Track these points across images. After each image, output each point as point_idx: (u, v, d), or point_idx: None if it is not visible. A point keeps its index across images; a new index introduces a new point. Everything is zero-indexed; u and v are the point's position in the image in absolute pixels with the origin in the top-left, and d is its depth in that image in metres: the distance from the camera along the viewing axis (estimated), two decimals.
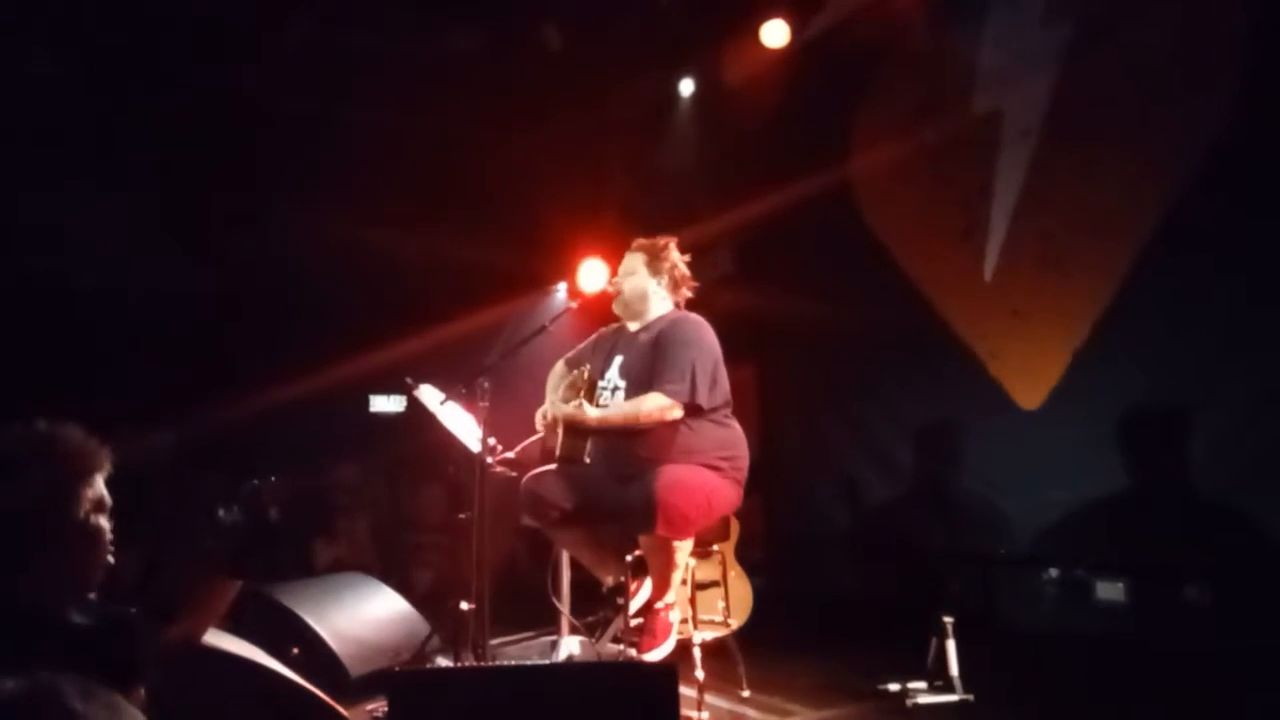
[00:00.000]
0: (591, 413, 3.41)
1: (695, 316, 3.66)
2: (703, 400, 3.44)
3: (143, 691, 1.47)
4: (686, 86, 6.13)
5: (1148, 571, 4.23)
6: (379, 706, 3.43)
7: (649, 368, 3.51)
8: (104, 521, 1.81)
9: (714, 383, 3.50)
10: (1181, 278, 4.11)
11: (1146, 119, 4.26)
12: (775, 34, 5.36)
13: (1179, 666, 3.65)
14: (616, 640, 3.87)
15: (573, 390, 3.41)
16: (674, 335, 3.54)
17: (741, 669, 3.84)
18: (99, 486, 1.80)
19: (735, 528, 3.98)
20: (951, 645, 3.68)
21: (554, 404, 3.63)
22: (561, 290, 6.01)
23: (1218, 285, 4.00)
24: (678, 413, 3.42)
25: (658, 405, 3.40)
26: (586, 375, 3.49)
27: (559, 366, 3.92)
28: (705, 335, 3.57)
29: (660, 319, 3.69)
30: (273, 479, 2.15)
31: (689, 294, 3.79)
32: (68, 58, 4.79)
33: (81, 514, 1.77)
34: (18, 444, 1.77)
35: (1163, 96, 4.20)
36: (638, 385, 3.53)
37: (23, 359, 4.52)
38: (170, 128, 5.19)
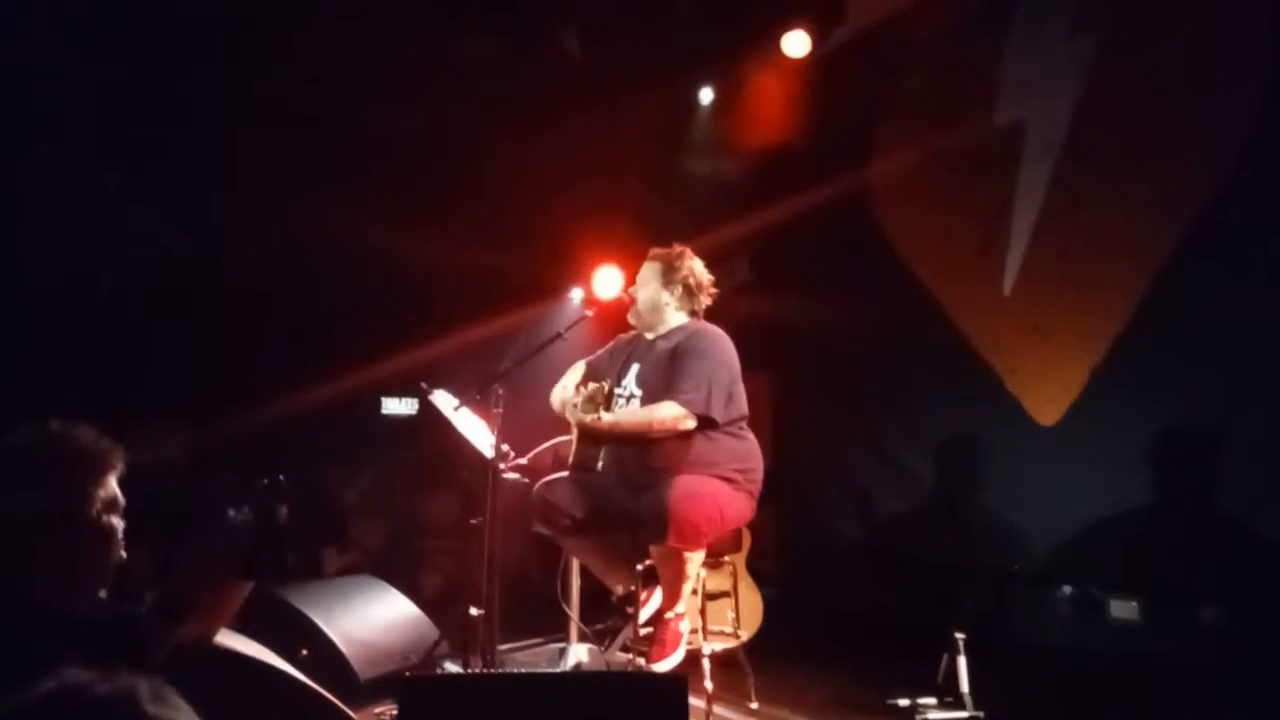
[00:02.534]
0: (605, 417, 3.40)
1: (715, 329, 3.65)
2: (717, 414, 3.43)
3: None
4: (706, 95, 6.13)
5: (1162, 590, 4.19)
6: (387, 710, 3.44)
7: (666, 378, 3.50)
8: (116, 520, 1.82)
9: (730, 397, 3.49)
10: (1201, 296, 4.07)
11: (1168, 135, 4.23)
12: (796, 44, 5.35)
13: (1192, 686, 3.62)
14: (625, 649, 3.86)
15: (591, 404, 3.41)
16: (693, 347, 3.53)
17: (751, 681, 3.83)
18: (112, 486, 1.81)
19: (747, 539, 3.97)
20: (962, 661, 3.66)
21: (569, 412, 3.63)
22: (577, 297, 6.01)
23: (1237, 304, 3.96)
24: (690, 424, 3.41)
25: (671, 414, 3.39)
26: (607, 388, 3.49)
27: (579, 365, 3.92)
28: (724, 349, 3.57)
29: (679, 329, 3.68)
30: (281, 478, 2.14)
31: (708, 301, 3.78)
32: (85, 57, 4.82)
33: (94, 513, 1.77)
34: (31, 444, 1.78)
35: (1185, 113, 4.17)
36: (653, 395, 3.52)
37: (36, 360, 4.54)
38: (186, 128, 5.21)
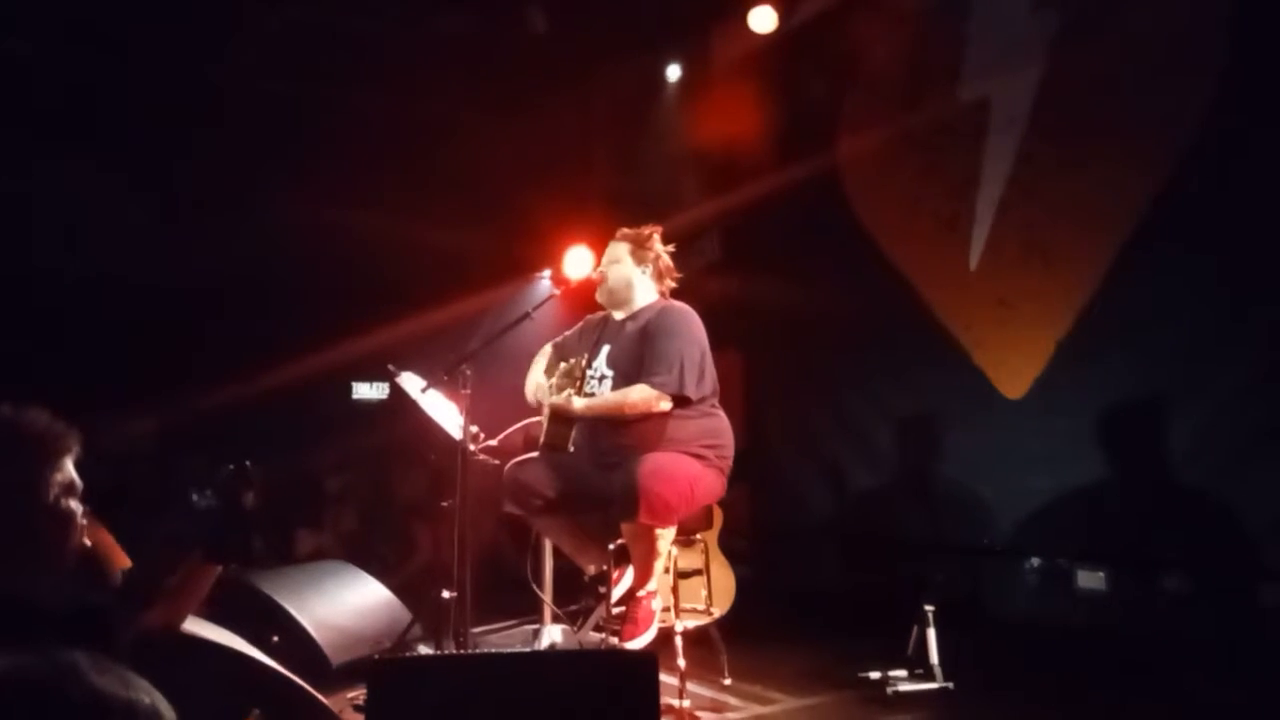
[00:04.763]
0: (578, 402, 3.40)
1: (683, 306, 3.65)
2: (690, 392, 3.44)
3: None
4: (673, 72, 6.10)
5: (1128, 561, 4.25)
6: (359, 695, 3.42)
7: (636, 358, 3.50)
8: (74, 504, 1.78)
9: (701, 374, 3.50)
10: (1165, 269, 4.11)
11: (1132, 109, 4.26)
12: (763, 20, 5.34)
13: (1157, 655, 3.68)
14: (598, 629, 3.87)
15: (567, 379, 3.40)
16: (662, 326, 3.53)
17: (723, 657, 3.85)
18: (68, 469, 1.77)
19: (718, 516, 3.98)
20: (932, 634, 3.69)
21: (542, 389, 3.62)
22: (545, 278, 5.98)
23: (1200, 277, 4.01)
24: (665, 405, 3.42)
25: (643, 397, 3.39)
26: (582, 365, 3.48)
27: (546, 349, 3.91)
28: (693, 326, 3.56)
29: (648, 308, 3.68)
30: (248, 463, 2.12)
31: (673, 284, 3.78)
32: (50, 40, 4.73)
33: (51, 498, 1.73)
34: None
35: (1148, 87, 4.20)
36: (624, 376, 3.52)
37: (2, 347, 4.47)
38: (151, 111, 5.13)
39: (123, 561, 2.16)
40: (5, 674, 0.88)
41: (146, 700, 0.92)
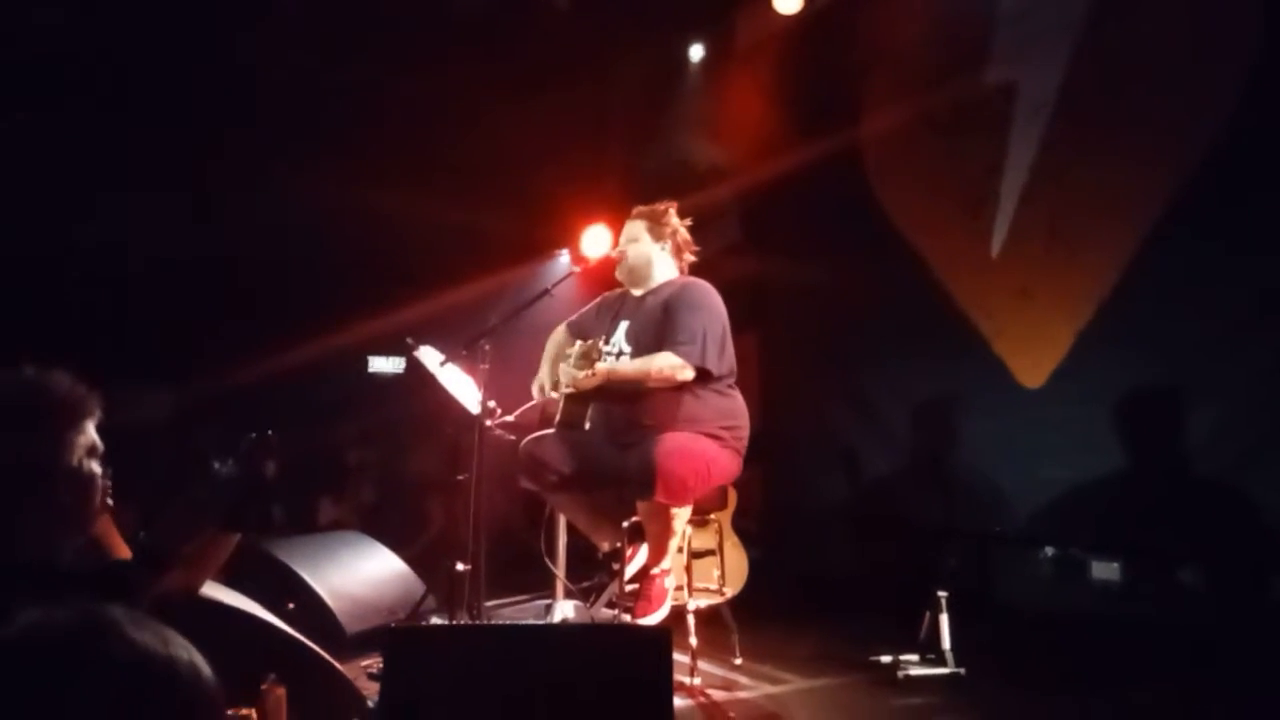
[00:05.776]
0: (602, 365, 3.38)
1: (704, 282, 3.65)
2: (712, 365, 3.44)
3: None
4: (696, 52, 6.07)
5: (1143, 552, 4.23)
6: (373, 663, 3.46)
7: (658, 332, 3.50)
8: (97, 467, 1.79)
9: (722, 349, 3.50)
10: (1187, 261, 4.07)
11: (1158, 99, 4.21)
12: (787, 0, 5.29)
13: (1171, 647, 3.67)
14: (611, 605, 3.89)
15: (586, 360, 3.39)
16: (685, 299, 3.53)
17: (735, 637, 3.86)
18: (90, 432, 1.78)
19: (733, 497, 3.99)
20: (944, 619, 3.69)
21: (561, 370, 3.62)
22: (564, 256, 5.98)
23: (1222, 269, 3.97)
24: (688, 374, 3.41)
25: (669, 364, 3.39)
26: (600, 346, 3.48)
27: (559, 332, 3.91)
28: (715, 301, 3.57)
29: (669, 283, 3.68)
30: (269, 433, 2.13)
31: (692, 258, 3.78)
32: (65, 13, 4.72)
33: (74, 460, 1.74)
34: (6, 392, 1.74)
35: (1177, 75, 4.15)
36: (645, 351, 3.52)
37: (22, 318, 4.50)
38: (169, 86, 5.13)
39: (123, 553, 2.17)
40: (43, 629, 0.87)
41: (185, 656, 0.92)
